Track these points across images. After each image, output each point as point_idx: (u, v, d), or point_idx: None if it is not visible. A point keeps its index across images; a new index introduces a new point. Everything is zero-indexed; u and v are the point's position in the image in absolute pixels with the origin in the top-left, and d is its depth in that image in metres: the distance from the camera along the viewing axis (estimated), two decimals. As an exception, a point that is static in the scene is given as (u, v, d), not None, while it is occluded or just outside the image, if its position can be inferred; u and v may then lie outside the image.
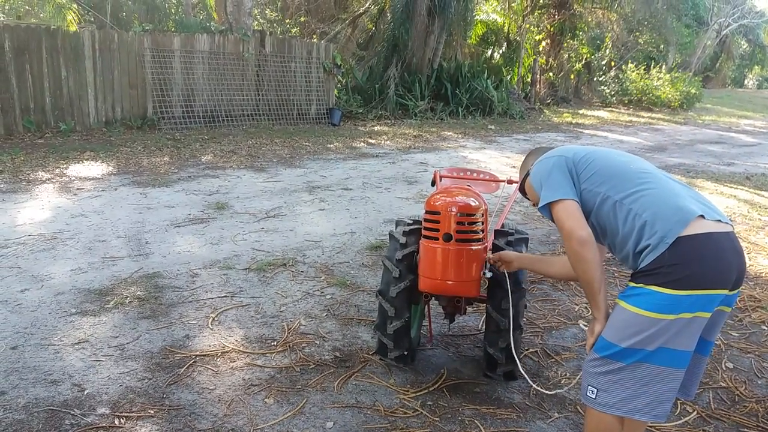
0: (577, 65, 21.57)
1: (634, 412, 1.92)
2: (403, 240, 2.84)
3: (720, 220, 1.91)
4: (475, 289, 2.68)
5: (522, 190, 2.41)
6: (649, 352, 1.86)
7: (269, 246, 4.93)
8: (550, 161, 2.14)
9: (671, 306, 1.82)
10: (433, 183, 3.69)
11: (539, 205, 2.11)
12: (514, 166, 9.04)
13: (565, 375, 3.12)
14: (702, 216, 1.88)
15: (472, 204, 2.70)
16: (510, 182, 3.85)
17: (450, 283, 2.63)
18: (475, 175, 3.86)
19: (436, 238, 2.62)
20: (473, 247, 2.63)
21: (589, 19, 20.85)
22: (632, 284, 1.93)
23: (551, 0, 19.79)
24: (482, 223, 2.71)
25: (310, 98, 12.70)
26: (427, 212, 2.70)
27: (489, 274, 2.70)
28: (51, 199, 6.00)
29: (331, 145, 10.24)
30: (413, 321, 3.12)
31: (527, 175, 2.30)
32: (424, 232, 2.70)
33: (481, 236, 2.68)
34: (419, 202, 6.59)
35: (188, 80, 10.87)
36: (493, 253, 2.93)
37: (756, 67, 42.75)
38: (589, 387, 1.99)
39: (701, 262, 1.83)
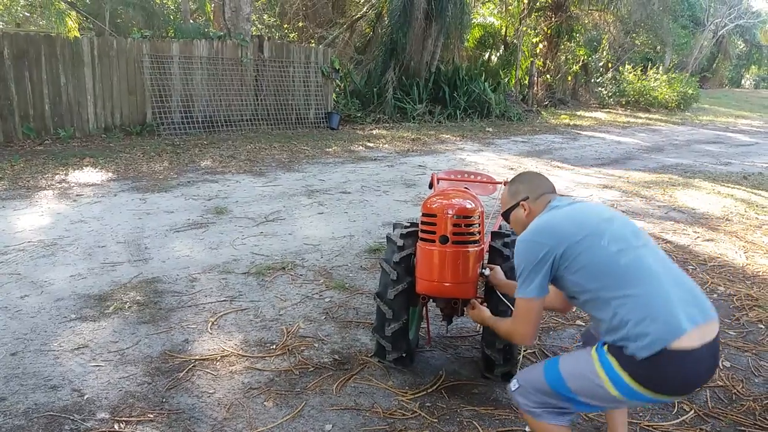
0: (574, 67, 21.62)
1: (541, 416, 2.05)
2: (400, 243, 2.86)
3: (708, 321, 1.85)
4: (472, 291, 2.69)
5: (506, 217, 2.35)
6: (587, 405, 2.00)
7: (268, 250, 4.94)
8: (535, 247, 1.99)
9: (631, 394, 1.87)
10: (431, 185, 3.71)
11: (515, 294, 2.08)
12: (512, 168, 9.06)
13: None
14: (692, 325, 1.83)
15: (468, 206, 2.71)
16: (506, 184, 3.87)
17: (447, 285, 2.64)
18: (472, 177, 3.88)
19: (433, 241, 2.63)
20: (470, 249, 2.64)
21: (586, 21, 20.89)
22: (607, 351, 1.90)
23: (548, 2, 19.86)
24: (479, 225, 2.72)
25: (308, 102, 12.74)
26: (423, 215, 2.71)
27: (487, 272, 2.71)
28: (50, 206, 6.02)
29: (330, 149, 10.27)
30: (411, 323, 3.13)
31: (516, 205, 2.26)
32: (420, 234, 2.71)
33: (477, 237, 2.70)
34: (417, 204, 6.61)
35: (187, 86, 10.90)
36: (489, 254, 2.95)
37: (753, 66, 42.87)
38: (520, 394, 2.09)
39: (676, 378, 1.82)
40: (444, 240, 2.61)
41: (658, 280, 1.87)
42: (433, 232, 2.64)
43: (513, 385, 2.12)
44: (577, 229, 1.97)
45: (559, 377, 1.99)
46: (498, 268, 2.75)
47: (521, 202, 2.26)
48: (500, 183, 3.82)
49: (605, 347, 1.92)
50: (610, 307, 1.89)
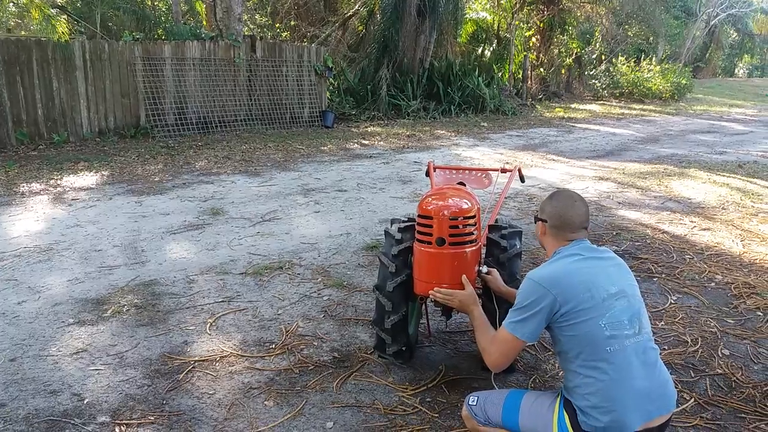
0: (567, 60, 21.62)
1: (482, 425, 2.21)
2: (398, 236, 2.85)
3: (661, 414, 1.98)
4: None
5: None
6: None
7: (265, 250, 4.94)
8: (542, 293, 2.01)
9: None
10: (427, 174, 3.75)
11: (505, 321, 2.11)
12: (507, 163, 9.06)
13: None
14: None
15: (465, 206, 2.68)
16: (504, 171, 3.86)
17: (445, 286, 2.60)
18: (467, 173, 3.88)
19: (430, 242, 2.60)
20: (467, 250, 2.61)
21: (578, 14, 20.91)
22: (564, 409, 2.04)
23: (540, -4, 19.85)
24: (475, 224, 2.69)
25: (302, 101, 12.72)
26: (419, 216, 2.68)
27: (485, 270, 2.70)
28: (46, 211, 5.99)
29: (325, 148, 10.25)
30: (411, 319, 3.13)
31: (542, 220, 2.25)
32: (417, 235, 2.68)
33: (474, 237, 2.67)
34: (414, 201, 6.61)
35: (180, 87, 10.87)
36: (487, 246, 2.95)
37: (745, 56, 42.96)
38: (473, 410, 2.22)
39: None
40: (441, 242, 2.58)
41: (629, 375, 1.95)
42: (430, 234, 2.60)
43: (472, 400, 2.24)
44: (586, 296, 1.99)
45: (516, 419, 2.13)
46: (496, 272, 2.74)
47: (539, 221, 2.28)
48: (497, 170, 3.83)
49: (564, 404, 2.05)
50: (579, 377, 2.00)
